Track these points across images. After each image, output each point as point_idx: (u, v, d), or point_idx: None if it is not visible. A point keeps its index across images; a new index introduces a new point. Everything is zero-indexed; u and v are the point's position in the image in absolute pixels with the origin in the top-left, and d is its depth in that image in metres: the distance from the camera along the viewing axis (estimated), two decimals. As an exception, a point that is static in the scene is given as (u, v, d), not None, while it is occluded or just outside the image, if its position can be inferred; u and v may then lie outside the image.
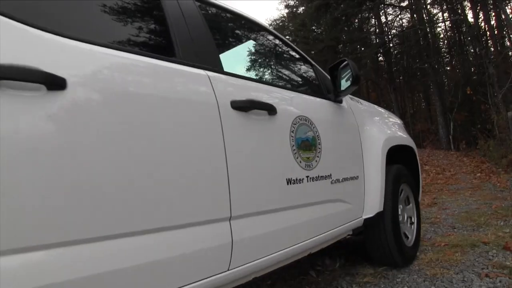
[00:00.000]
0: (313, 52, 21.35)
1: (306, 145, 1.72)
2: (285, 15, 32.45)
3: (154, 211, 1.08)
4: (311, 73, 2.22)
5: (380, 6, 18.59)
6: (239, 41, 2.06)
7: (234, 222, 1.32)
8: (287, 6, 31.35)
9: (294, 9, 29.70)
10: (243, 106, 1.41)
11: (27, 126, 0.85)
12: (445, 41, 19.14)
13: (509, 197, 4.63)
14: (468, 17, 14.67)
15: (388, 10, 20.32)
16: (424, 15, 16.92)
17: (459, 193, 5.50)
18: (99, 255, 0.94)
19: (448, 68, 19.03)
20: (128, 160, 1.04)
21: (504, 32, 14.81)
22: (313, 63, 2.24)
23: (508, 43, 15.21)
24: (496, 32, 14.79)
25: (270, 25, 34.47)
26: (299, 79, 2.30)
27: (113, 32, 1.28)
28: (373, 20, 21.32)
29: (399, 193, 2.47)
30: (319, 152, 1.80)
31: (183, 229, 1.16)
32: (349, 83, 2.01)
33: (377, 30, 20.78)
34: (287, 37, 31.76)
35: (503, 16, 13.32)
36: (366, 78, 25.73)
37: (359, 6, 16.24)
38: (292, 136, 1.64)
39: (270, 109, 1.54)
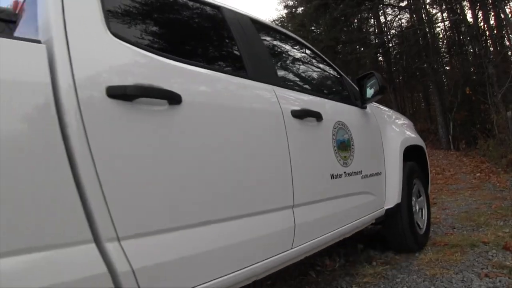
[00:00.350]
0: (312, 52, 21.36)
1: (343, 146, 2.07)
2: (284, 15, 32.40)
3: (241, 201, 1.38)
4: (342, 83, 2.58)
5: (379, 6, 18.60)
6: (287, 57, 2.37)
7: (296, 210, 1.63)
8: (286, 7, 31.32)
9: (293, 10, 29.67)
10: (300, 114, 1.74)
11: (156, 132, 1.13)
12: (444, 41, 19.15)
13: (508, 197, 4.63)
14: (467, 17, 14.71)
15: (387, 10, 20.34)
16: (423, 15, 16.95)
17: (458, 193, 5.50)
18: (208, 235, 1.24)
19: (448, 68, 19.03)
20: (226, 159, 1.34)
21: (504, 32, 14.82)
22: (343, 74, 2.60)
23: (507, 43, 15.24)
24: (495, 31, 14.80)
25: (270, 25, 34.35)
26: (334, 88, 2.63)
27: (208, 58, 1.64)
28: (372, 20, 21.32)
29: (413, 187, 2.82)
30: (352, 152, 2.14)
31: (260, 215, 1.46)
32: (372, 91, 2.39)
33: (376, 30, 20.78)
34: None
35: (502, 16, 13.34)
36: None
37: (358, 6, 16.24)
38: (333, 139, 1.99)
39: (318, 116, 1.86)
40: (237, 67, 1.70)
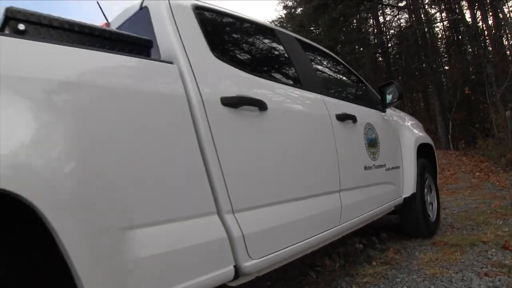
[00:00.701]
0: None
1: (372, 143, 2.50)
2: (283, 16, 32.41)
3: (309, 184, 1.84)
4: (366, 90, 3.05)
5: (378, 6, 18.61)
6: (325, 70, 2.83)
7: (341, 194, 2.05)
8: (285, 7, 31.34)
9: (292, 10, 29.69)
10: (342, 117, 2.16)
11: (252, 131, 1.55)
12: (443, 41, 19.18)
13: (508, 196, 4.64)
14: (466, 16, 14.73)
15: (386, 10, 20.33)
16: (422, 15, 16.96)
17: (458, 193, 5.50)
18: (288, 210, 1.65)
19: (447, 68, 19.02)
20: (296, 152, 1.78)
21: (502, 31, 14.84)
22: (366, 83, 3.09)
23: (506, 43, 15.24)
24: (493, 31, 14.82)
25: (269, 26, 34.37)
26: (361, 96, 3.03)
27: (277, 73, 2.11)
28: (371, 20, 21.33)
29: (425, 180, 3.20)
30: (379, 148, 2.58)
31: (321, 196, 1.90)
32: (391, 97, 2.89)
33: (375, 30, 20.77)
34: (286, 38, 31.72)
35: (501, 16, 13.35)
36: (364, 78, 25.80)
37: (357, 7, 16.26)
38: (364, 137, 2.42)
39: (354, 119, 2.29)
40: (295, 80, 2.11)
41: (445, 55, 18.97)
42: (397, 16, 20.12)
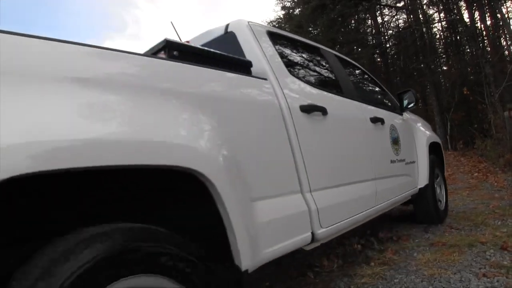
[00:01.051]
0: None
1: (395, 141, 3.01)
2: (281, 16, 32.45)
3: (358, 171, 2.40)
4: (388, 97, 3.57)
5: (376, 7, 18.62)
6: (357, 80, 3.33)
7: (375, 182, 2.54)
8: (283, 8, 31.36)
9: (291, 11, 29.71)
10: (374, 120, 2.69)
11: (320, 130, 2.03)
12: (442, 41, 19.19)
13: (506, 197, 4.64)
14: (464, 17, 14.74)
15: (384, 10, 20.34)
16: (420, 16, 16.97)
17: (456, 193, 5.51)
18: (349, 192, 2.19)
19: (445, 68, 19.02)
20: (348, 147, 2.33)
21: (500, 32, 14.87)
22: (386, 90, 3.60)
23: (504, 43, 15.27)
24: (491, 31, 14.84)
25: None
26: (384, 101, 3.48)
27: (329, 86, 2.60)
28: (370, 20, 21.35)
29: (435, 175, 3.68)
30: (400, 145, 3.07)
31: (364, 182, 2.42)
32: (407, 102, 3.42)
33: (374, 30, 20.79)
34: (284, 38, 31.78)
35: (499, 16, 13.38)
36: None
37: (355, 7, 16.27)
38: (390, 136, 2.94)
39: (382, 121, 2.82)
40: (339, 90, 2.55)
41: (443, 56, 18.98)
42: (395, 17, 20.13)
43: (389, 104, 3.45)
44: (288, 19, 29.20)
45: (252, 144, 1.57)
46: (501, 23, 13.95)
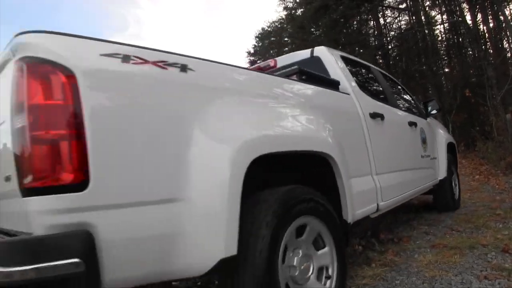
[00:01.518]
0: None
1: (424, 140, 3.72)
2: (283, 17, 32.44)
3: (405, 162, 3.21)
4: (416, 104, 4.32)
5: (379, 8, 18.60)
6: (394, 91, 3.93)
7: (412, 171, 3.30)
8: (285, 8, 31.34)
9: (293, 11, 29.69)
10: (410, 124, 3.42)
11: (381, 132, 2.79)
12: (444, 43, 19.14)
13: (507, 199, 4.63)
14: (467, 19, 14.71)
15: (387, 12, 20.32)
16: (423, 17, 16.95)
17: (457, 195, 5.49)
18: (401, 178, 3.01)
19: (447, 70, 18.98)
20: (399, 144, 3.19)
21: (503, 34, 14.84)
22: (414, 98, 4.43)
23: (506, 45, 15.24)
24: (494, 34, 14.81)
25: (269, 27, 34.66)
26: (414, 108, 4.17)
27: (381, 97, 3.22)
28: (372, 22, 21.33)
29: (452, 170, 4.41)
30: (427, 144, 3.79)
31: (405, 171, 3.11)
32: (430, 108, 4.30)
33: (376, 32, 20.76)
34: (286, 39, 31.86)
35: (502, 18, 13.35)
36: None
37: (358, 8, 16.26)
38: (420, 136, 3.65)
39: (415, 125, 3.51)
40: (386, 100, 3.23)
41: (446, 57, 18.93)
42: (398, 18, 20.11)
43: (418, 110, 4.15)
44: (290, 20, 29.17)
45: (347, 138, 2.26)
46: (503, 25, 13.92)
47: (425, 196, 4.26)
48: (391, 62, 20.65)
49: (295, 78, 2.21)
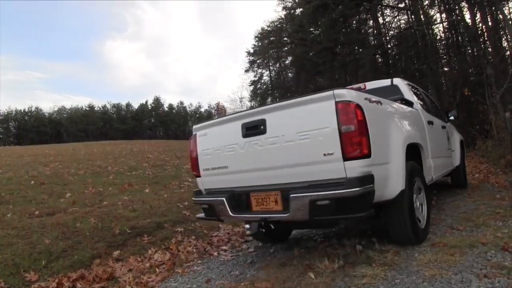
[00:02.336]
0: (311, 53, 21.35)
1: (448, 138, 5.38)
2: (282, 16, 32.48)
3: (442, 152, 4.83)
4: (441, 111, 5.78)
5: (378, 8, 18.61)
6: (430, 102, 5.39)
7: (445, 158, 4.96)
8: (284, 8, 31.37)
9: (292, 11, 29.69)
10: (442, 127, 5.13)
11: (432, 131, 4.36)
12: (443, 42, 19.14)
13: (507, 198, 4.63)
14: (466, 18, 14.71)
15: (386, 11, 20.34)
16: (422, 16, 16.95)
17: (457, 194, 5.50)
18: (440, 162, 4.59)
19: (446, 69, 18.99)
20: (441, 140, 4.91)
21: (502, 32, 14.83)
22: (439, 107, 6.23)
23: (505, 44, 15.24)
24: (493, 33, 14.81)
25: (268, 26, 34.70)
26: (440, 114, 5.49)
27: (426, 108, 4.69)
28: (371, 21, 21.34)
29: (463, 159, 6.30)
30: (450, 141, 5.47)
31: (441, 158, 4.69)
32: (450, 115, 5.84)
33: (375, 31, 20.78)
34: (285, 39, 31.90)
35: (501, 17, 13.34)
36: (364, 80, 25.74)
37: (357, 7, 16.27)
38: (447, 135, 5.31)
39: (444, 127, 5.24)
40: (430, 111, 4.70)
41: (445, 57, 18.94)
42: (397, 17, 20.12)
43: (442, 116, 5.54)
44: (289, 19, 29.20)
45: (421, 135, 3.69)
46: (503, 24, 13.92)
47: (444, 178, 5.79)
48: (390, 61, 20.66)
49: (399, 102, 3.60)
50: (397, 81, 4.35)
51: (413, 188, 3.03)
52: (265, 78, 37.65)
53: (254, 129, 2.80)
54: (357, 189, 2.27)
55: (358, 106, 2.42)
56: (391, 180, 2.68)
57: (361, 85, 4.39)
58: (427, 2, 16.85)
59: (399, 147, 2.86)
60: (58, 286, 2.87)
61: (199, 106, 69.94)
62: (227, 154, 2.99)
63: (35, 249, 3.38)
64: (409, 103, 3.83)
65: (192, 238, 4.14)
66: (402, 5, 18.29)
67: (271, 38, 33.70)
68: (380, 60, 21.08)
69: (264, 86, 37.60)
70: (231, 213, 2.86)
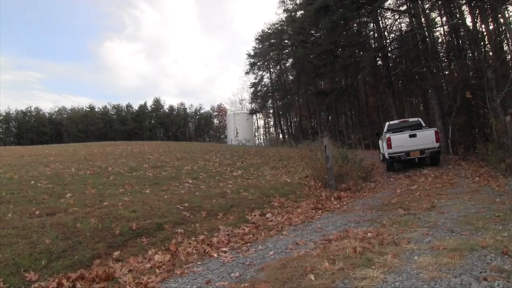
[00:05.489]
0: (312, 56, 21.37)
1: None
2: (283, 19, 32.57)
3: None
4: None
5: (379, 11, 18.64)
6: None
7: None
8: (285, 10, 31.47)
9: (293, 13, 29.77)
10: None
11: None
12: (444, 45, 19.20)
13: (507, 201, 4.64)
14: (467, 21, 14.74)
15: (387, 14, 20.39)
16: (423, 20, 16.98)
17: (457, 197, 5.50)
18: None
19: (447, 72, 19.04)
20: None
21: (503, 36, 14.87)
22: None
23: (506, 47, 15.26)
24: (494, 36, 14.84)
25: (269, 29, 34.74)
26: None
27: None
28: (372, 24, 21.39)
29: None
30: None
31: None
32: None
33: (376, 34, 20.82)
34: (286, 41, 31.96)
35: (502, 20, 13.38)
36: (364, 83, 25.78)
37: (358, 10, 16.30)
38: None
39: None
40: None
41: (445, 60, 19.01)
42: (398, 20, 20.16)
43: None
44: (290, 22, 29.25)
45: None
46: (504, 27, 13.96)
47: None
48: (391, 64, 20.70)
49: (418, 126, 11.40)
50: (418, 120, 10.24)
51: None
52: (266, 80, 37.81)
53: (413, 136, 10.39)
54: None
55: None
56: None
57: (405, 119, 9.48)
58: (428, 5, 16.89)
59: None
60: (58, 286, 2.87)
61: (200, 108, 69.97)
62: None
63: (35, 249, 3.38)
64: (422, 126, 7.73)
65: (192, 239, 4.15)
66: (403, 8, 18.33)
67: (272, 40, 33.77)
68: (380, 62, 21.12)
69: (265, 88, 37.70)
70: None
